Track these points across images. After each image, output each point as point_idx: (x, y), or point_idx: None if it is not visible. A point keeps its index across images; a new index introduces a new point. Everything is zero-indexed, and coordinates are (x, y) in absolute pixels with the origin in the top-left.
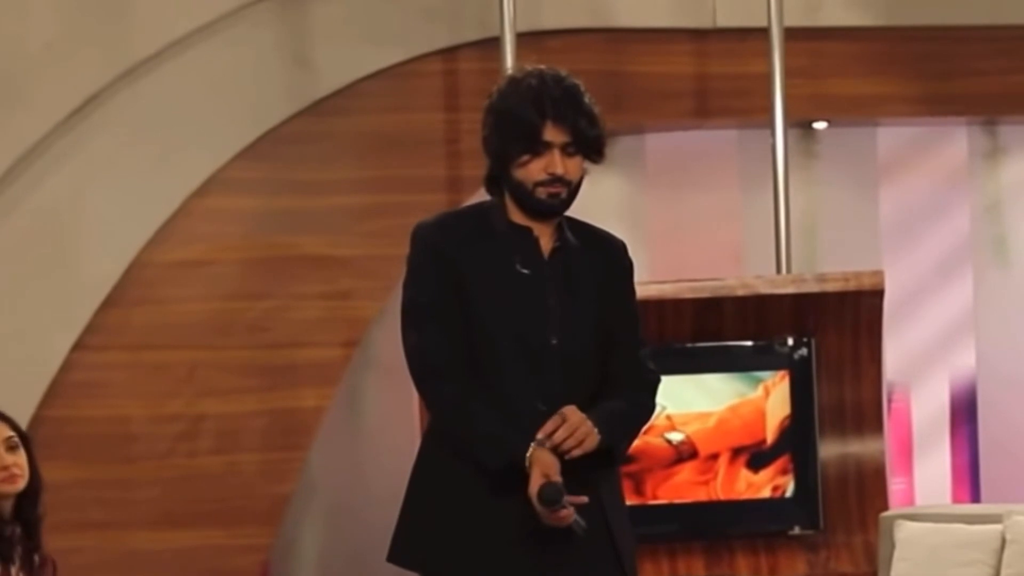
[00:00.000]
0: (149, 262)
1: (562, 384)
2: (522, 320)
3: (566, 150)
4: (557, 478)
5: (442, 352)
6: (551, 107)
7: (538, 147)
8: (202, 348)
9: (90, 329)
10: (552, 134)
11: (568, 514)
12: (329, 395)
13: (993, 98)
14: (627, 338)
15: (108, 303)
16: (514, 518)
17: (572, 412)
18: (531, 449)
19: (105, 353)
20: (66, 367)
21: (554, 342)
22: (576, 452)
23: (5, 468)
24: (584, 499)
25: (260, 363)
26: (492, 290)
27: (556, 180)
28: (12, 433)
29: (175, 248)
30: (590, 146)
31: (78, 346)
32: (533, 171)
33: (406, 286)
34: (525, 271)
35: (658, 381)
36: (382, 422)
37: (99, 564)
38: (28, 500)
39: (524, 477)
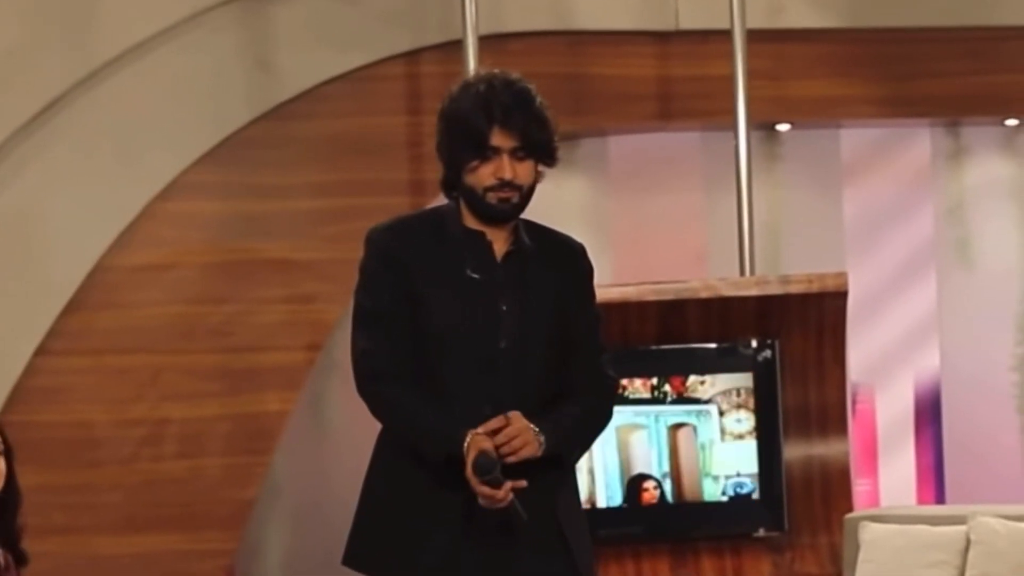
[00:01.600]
0: (112, 266)
1: (511, 388)
2: (472, 324)
3: (516, 154)
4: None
5: (386, 358)
6: (499, 112)
7: (486, 152)
8: (165, 352)
9: (53, 334)
10: (500, 139)
11: (504, 495)
12: (293, 399)
13: (956, 99)
14: (587, 343)
15: (71, 307)
16: (466, 520)
17: (516, 418)
18: (469, 436)
19: (68, 358)
20: (29, 372)
21: (503, 345)
22: (511, 459)
23: None
24: (523, 483)
25: (223, 367)
26: (443, 295)
27: (505, 185)
28: None
29: (138, 252)
30: (540, 150)
31: (41, 351)
32: (483, 176)
33: (358, 291)
34: (475, 276)
35: (616, 387)
36: (346, 425)
37: (62, 569)
38: (5, 510)
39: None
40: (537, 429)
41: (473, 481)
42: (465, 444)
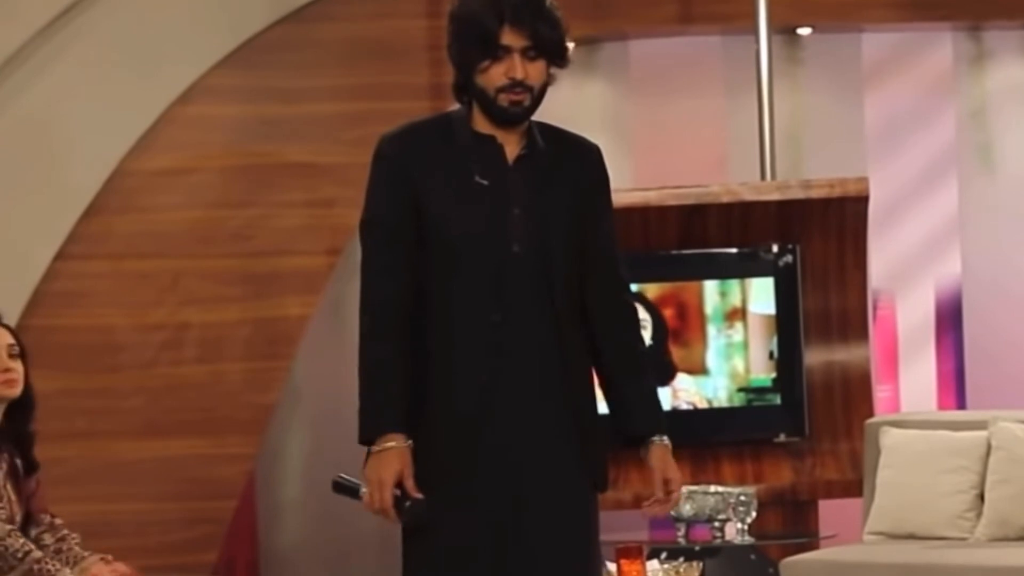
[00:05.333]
0: (131, 171)
1: (525, 293)
2: (481, 230)
3: (527, 54)
4: (416, 493)
5: (388, 284)
6: (509, 11)
7: (497, 52)
8: (185, 257)
9: (72, 238)
10: (510, 38)
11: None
12: (313, 303)
13: (978, 2)
14: (608, 255)
15: (90, 212)
16: (477, 431)
17: (673, 480)
18: (399, 441)
19: (88, 262)
20: (49, 276)
21: (516, 249)
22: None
23: (6, 371)
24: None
25: (243, 271)
26: (451, 201)
27: (517, 85)
28: (14, 341)
29: (157, 156)
30: (551, 50)
31: (61, 255)
32: (494, 76)
33: (365, 200)
34: (484, 182)
35: (635, 309)
36: None
37: (83, 473)
38: (20, 413)
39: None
40: (664, 440)
41: (388, 509)
42: (388, 443)
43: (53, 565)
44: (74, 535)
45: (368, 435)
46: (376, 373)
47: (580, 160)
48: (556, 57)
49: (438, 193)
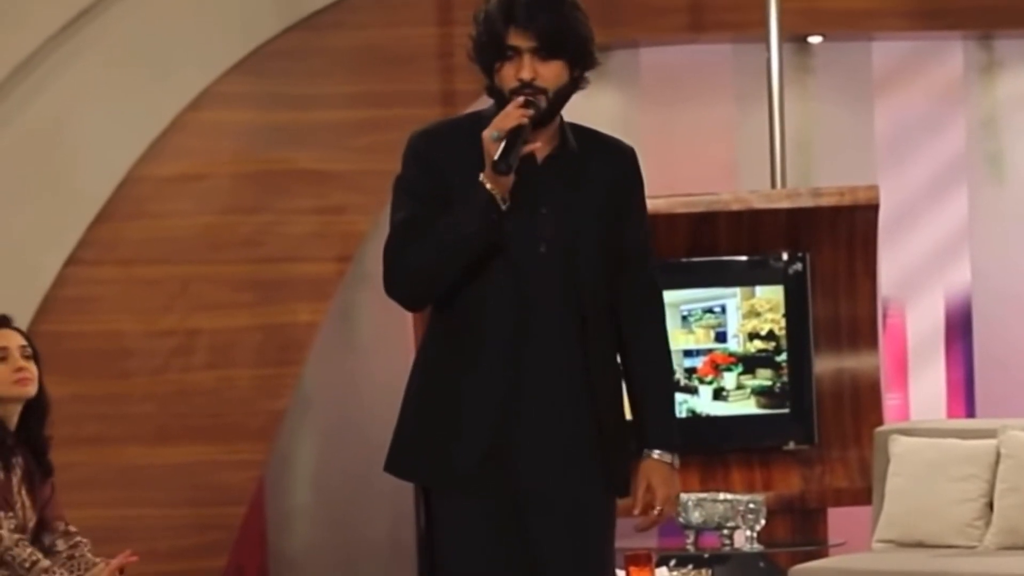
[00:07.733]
0: (142, 177)
1: (551, 293)
2: (507, 229)
3: (538, 55)
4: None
5: (413, 234)
6: (520, 12)
7: (505, 52)
8: (195, 263)
9: (83, 244)
10: (517, 39)
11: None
12: (323, 310)
13: (989, 11)
14: (638, 254)
15: (101, 218)
16: (499, 428)
17: (664, 499)
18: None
19: (98, 268)
20: (59, 282)
21: (543, 250)
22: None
23: (19, 370)
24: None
25: (253, 278)
26: None
27: (527, 86)
28: (26, 343)
29: (168, 163)
30: (563, 49)
31: (71, 261)
32: (506, 78)
33: (393, 195)
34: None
35: (663, 314)
36: (376, 337)
37: (93, 479)
38: (34, 417)
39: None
40: (668, 458)
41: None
42: (481, 185)
43: (61, 574)
44: (86, 541)
45: (481, 217)
46: (431, 240)
47: (612, 161)
48: (571, 56)
49: (466, 190)
